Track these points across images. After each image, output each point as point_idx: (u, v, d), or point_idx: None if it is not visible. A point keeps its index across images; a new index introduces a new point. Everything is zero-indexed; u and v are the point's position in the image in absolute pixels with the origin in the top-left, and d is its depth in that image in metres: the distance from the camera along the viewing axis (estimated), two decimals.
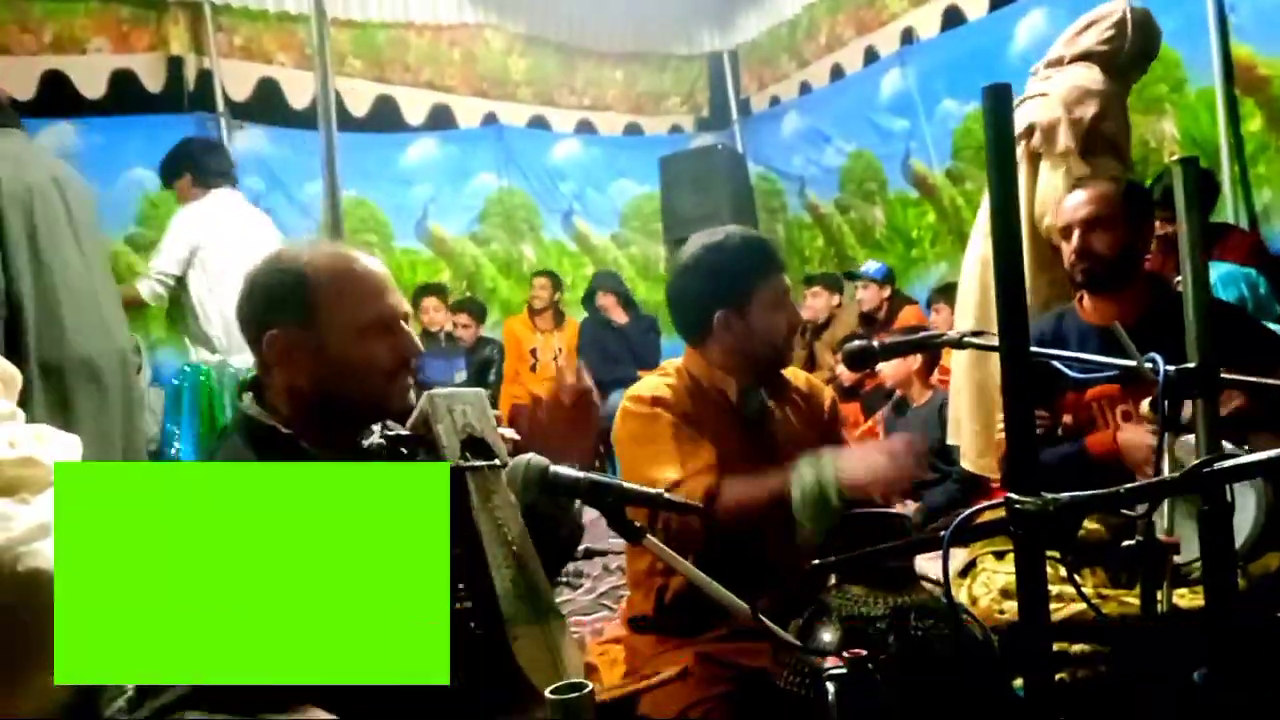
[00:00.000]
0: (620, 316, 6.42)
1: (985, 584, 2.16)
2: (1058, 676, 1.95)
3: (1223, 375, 1.33)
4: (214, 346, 3.83)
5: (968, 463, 3.26)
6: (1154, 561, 1.31)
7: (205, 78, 6.03)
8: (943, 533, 1.05)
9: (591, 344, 6.39)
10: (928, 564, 1.97)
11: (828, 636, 1.41)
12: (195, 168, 3.93)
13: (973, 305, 3.16)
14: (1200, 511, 1.22)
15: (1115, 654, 1.95)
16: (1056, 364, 1.63)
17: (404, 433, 1.46)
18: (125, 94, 5.81)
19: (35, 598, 1.86)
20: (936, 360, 4.28)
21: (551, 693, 0.98)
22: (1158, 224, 2.40)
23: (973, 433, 3.18)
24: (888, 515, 1.59)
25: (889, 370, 4.24)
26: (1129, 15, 3.02)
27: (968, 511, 1.06)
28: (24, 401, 2.16)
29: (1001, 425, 2.30)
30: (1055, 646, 1.95)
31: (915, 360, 4.11)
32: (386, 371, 1.36)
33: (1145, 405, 1.95)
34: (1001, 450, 2.40)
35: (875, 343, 1.88)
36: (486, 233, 7.17)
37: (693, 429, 1.80)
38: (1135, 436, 2.05)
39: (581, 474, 1.30)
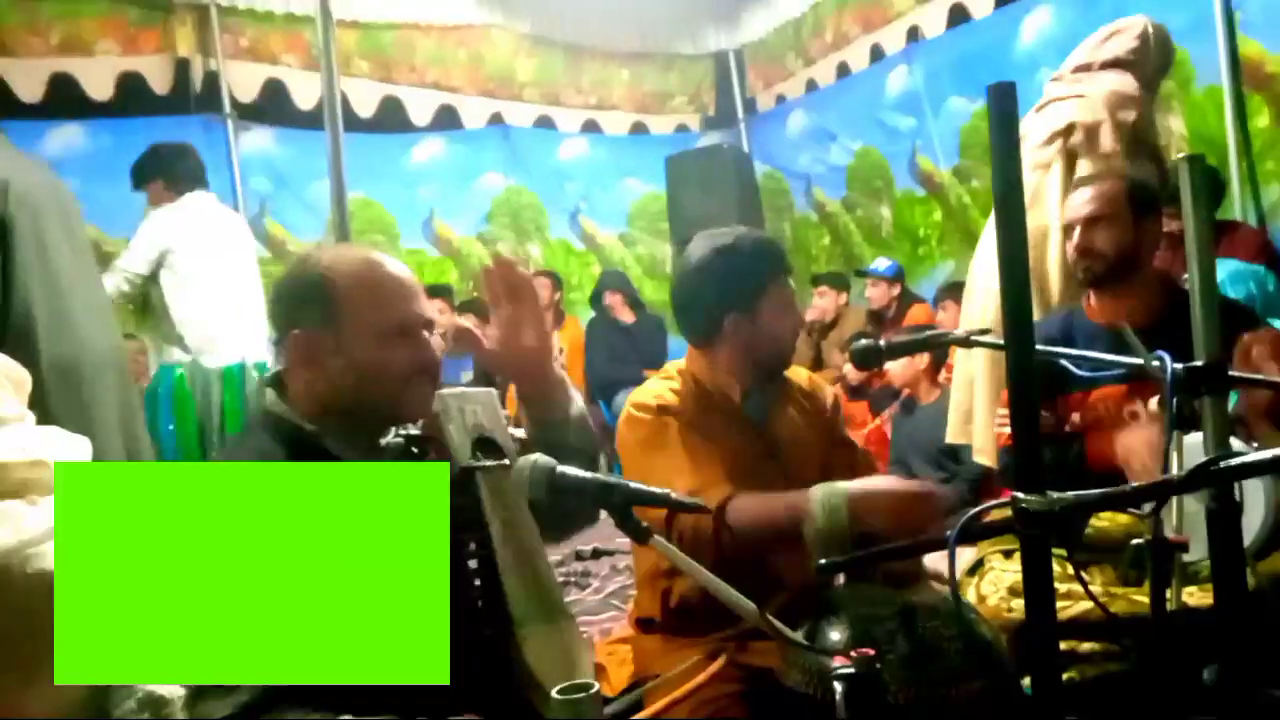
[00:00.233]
0: (627, 316, 6.42)
1: (993, 583, 2.16)
2: (1066, 675, 1.95)
3: (1231, 374, 1.33)
4: (186, 348, 3.84)
5: (983, 457, 3.24)
6: (1162, 560, 1.30)
7: (212, 79, 6.05)
8: (949, 532, 1.05)
9: (598, 344, 6.39)
10: (935, 563, 1.97)
11: (835, 636, 1.41)
12: (167, 173, 3.95)
13: (994, 302, 3.14)
14: (1209, 510, 1.22)
15: (1125, 652, 1.94)
16: (1063, 362, 1.62)
17: (416, 432, 1.46)
18: (133, 96, 5.83)
19: (45, 599, 1.87)
20: (944, 359, 4.27)
21: (558, 693, 0.98)
22: (1166, 220, 2.39)
23: (989, 426, 3.17)
24: None
25: (896, 370, 4.23)
26: (1150, 29, 3.03)
27: (974, 510, 1.06)
28: (38, 401, 2.18)
29: (1000, 421, 2.31)
30: (1064, 645, 1.95)
31: (923, 359, 4.10)
32: (403, 377, 1.36)
33: (1154, 403, 1.95)
34: (999, 444, 2.39)
35: (883, 342, 1.88)
36: (493, 233, 7.17)
37: (699, 435, 1.80)
38: (1134, 442, 2.04)
39: (589, 474, 1.30)
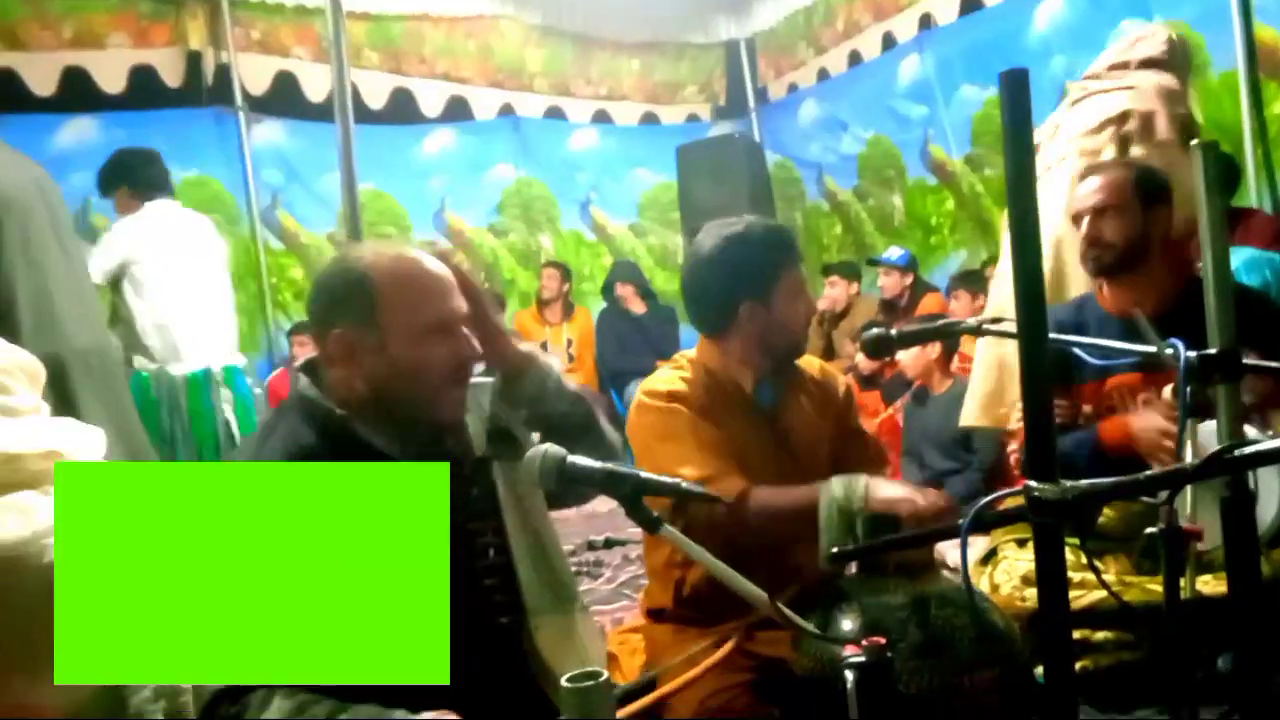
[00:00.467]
0: (638, 307, 6.42)
1: (1006, 571, 2.16)
2: (1080, 664, 1.95)
3: (1245, 361, 1.32)
4: (152, 355, 3.86)
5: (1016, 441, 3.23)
6: (1176, 548, 1.30)
7: (223, 72, 6.07)
8: (961, 520, 1.05)
9: (609, 334, 6.40)
10: (948, 551, 1.97)
11: (847, 625, 1.41)
12: (131, 180, 3.95)
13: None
14: (1223, 498, 1.22)
15: (1138, 641, 1.94)
16: (1076, 351, 1.61)
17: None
18: (145, 89, 5.86)
19: None
20: (955, 348, 4.25)
21: (567, 681, 0.99)
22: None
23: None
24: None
25: (908, 359, 4.22)
26: (1175, 36, 3.09)
27: (987, 499, 1.06)
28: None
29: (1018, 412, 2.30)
30: (1078, 634, 1.95)
31: (935, 349, 4.09)
32: (442, 375, 1.38)
33: (1167, 391, 1.94)
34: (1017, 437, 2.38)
35: (894, 331, 1.87)
36: (504, 224, 7.18)
37: (710, 424, 1.80)
38: (1149, 422, 2.03)
39: (599, 464, 1.30)
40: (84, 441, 2.16)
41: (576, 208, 7.44)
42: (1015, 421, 2.38)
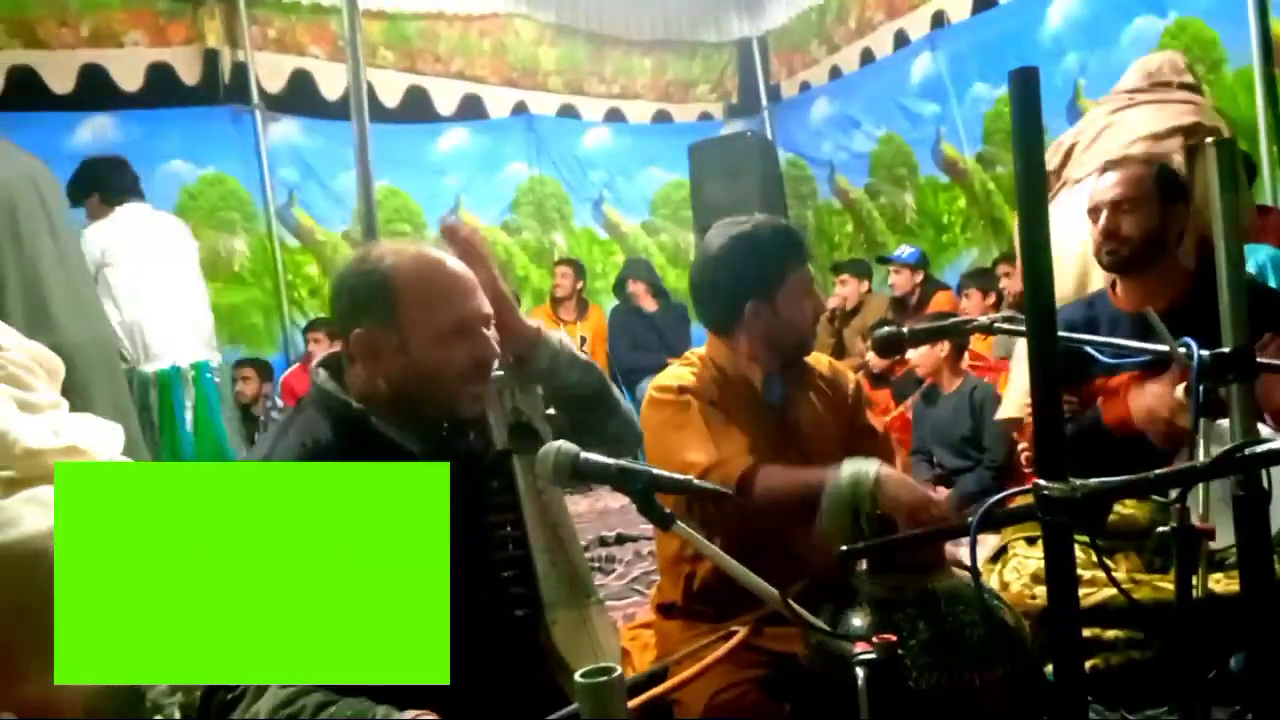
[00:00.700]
0: (650, 304, 6.42)
1: (1016, 569, 2.16)
2: (1090, 662, 1.95)
3: (1259, 360, 1.32)
4: (124, 356, 3.88)
5: None
6: (1188, 547, 1.30)
7: (240, 70, 6.10)
8: (971, 518, 1.05)
9: (621, 331, 6.40)
10: (958, 549, 1.97)
11: (857, 621, 1.42)
12: (101, 186, 4.00)
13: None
14: (1235, 496, 1.21)
15: (1149, 640, 1.94)
16: (1088, 349, 1.61)
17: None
18: (162, 87, 5.90)
19: None
20: (965, 347, 4.25)
21: (581, 676, 0.99)
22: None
23: None
24: None
25: (918, 357, 4.21)
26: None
27: (996, 497, 1.06)
28: None
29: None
30: (1088, 632, 1.95)
31: (944, 347, 4.08)
32: (463, 375, 1.38)
33: (1180, 390, 1.93)
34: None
35: (905, 329, 1.87)
36: (518, 222, 7.20)
37: (720, 414, 1.81)
38: (1149, 399, 2.02)
39: (612, 460, 1.31)
40: (103, 437, 2.19)
41: (589, 206, 7.45)
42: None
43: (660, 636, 1.94)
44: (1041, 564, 2.06)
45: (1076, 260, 2.90)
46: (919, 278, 5.70)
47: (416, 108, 6.71)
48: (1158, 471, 1.05)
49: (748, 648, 1.62)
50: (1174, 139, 2.95)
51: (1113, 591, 1.92)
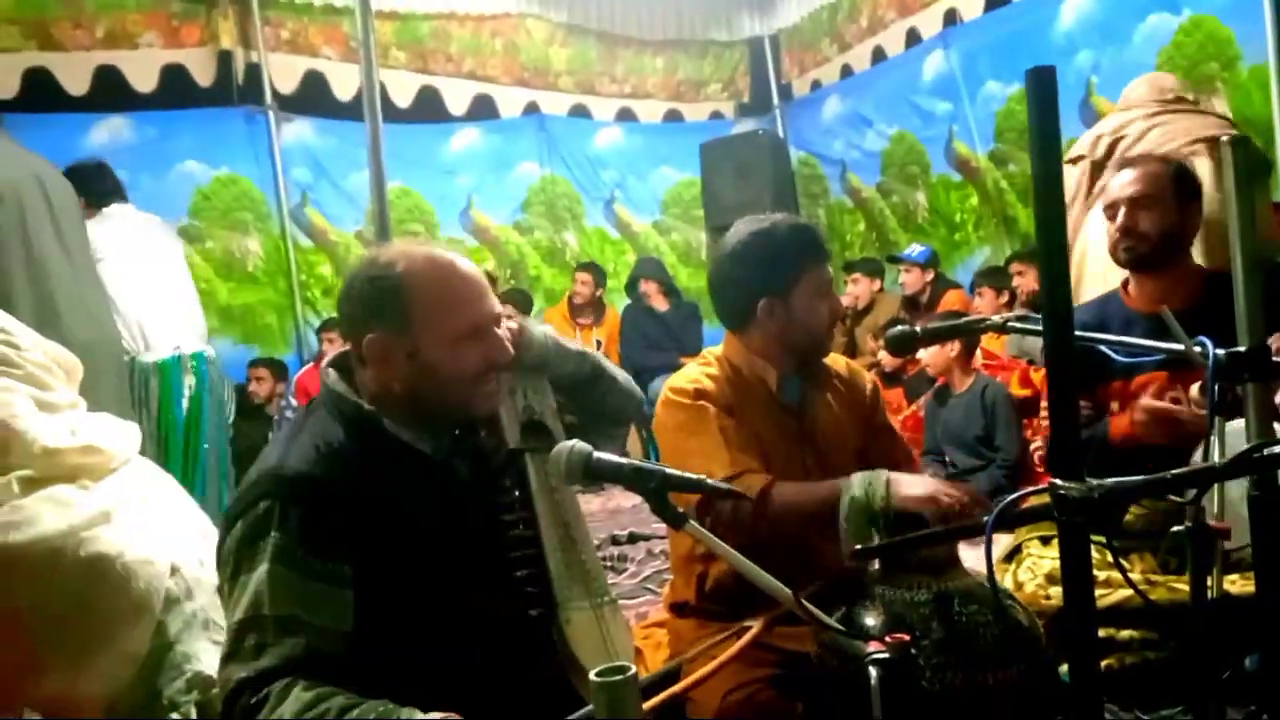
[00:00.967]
0: (662, 304, 6.42)
1: (1031, 569, 2.15)
2: (1105, 663, 1.94)
3: (1276, 359, 1.31)
4: (122, 347, 3.93)
5: None
6: (1203, 547, 1.29)
7: (253, 71, 6.13)
8: (986, 518, 1.05)
9: (633, 331, 6.40)
10: (972, 550, 1.96)
11: (871, 621, 1.42)
12: (85, 191, 4.03)
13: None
14: (1251, 497, 1.21)
15: (1164, 640, 1.93)
16: (1103, 349, 1.60)
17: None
18: (176, 88, 5.93)
19: (97, 581, 1.92)
20: (975, 346, 4.23)
21: (595, 675, 1.00)
22: None
23: None
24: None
25: (928, 357, 4.20)
26: None
27: (1011, 497, 1.06)
28: None
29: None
30: (1102, 632, 1.94)
31: (954, 346, 4.06)
32: (475, 376, 1.39)
33: (1195, 390, 1.92)
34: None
35: (917, 327, 1.87)
36: (530, 221, 7.21)
37: (736, 420, 1.81)
38: (1142, 407, 2.01)
39: (625, 460, 1.31)
40: (120, 436, 2.20)
41: (601, 205, 7.45)
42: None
43: (673, 635, 1.94)
44: (1056, 564, 2.05)
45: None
46: (929, 276, 5.69)
47: (428, 108, 6.72)
48: (1174, 472, 1.04)
49: (760, 647, 1.63)
50: (1198, 146, 2.96)
51: (1127, 592, 1.92)
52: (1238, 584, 1.78)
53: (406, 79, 6.62)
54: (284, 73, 6.26)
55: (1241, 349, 1.26)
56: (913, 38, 6.54)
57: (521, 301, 6.45)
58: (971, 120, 6.13)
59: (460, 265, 1.41)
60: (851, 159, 7.16)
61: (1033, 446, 3.91)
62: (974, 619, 1.40)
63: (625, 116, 7.51)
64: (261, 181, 6.26)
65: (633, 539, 4.17)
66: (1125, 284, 2.29)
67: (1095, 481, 0.95)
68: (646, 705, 1.10)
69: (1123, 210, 2.18)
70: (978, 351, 4.31)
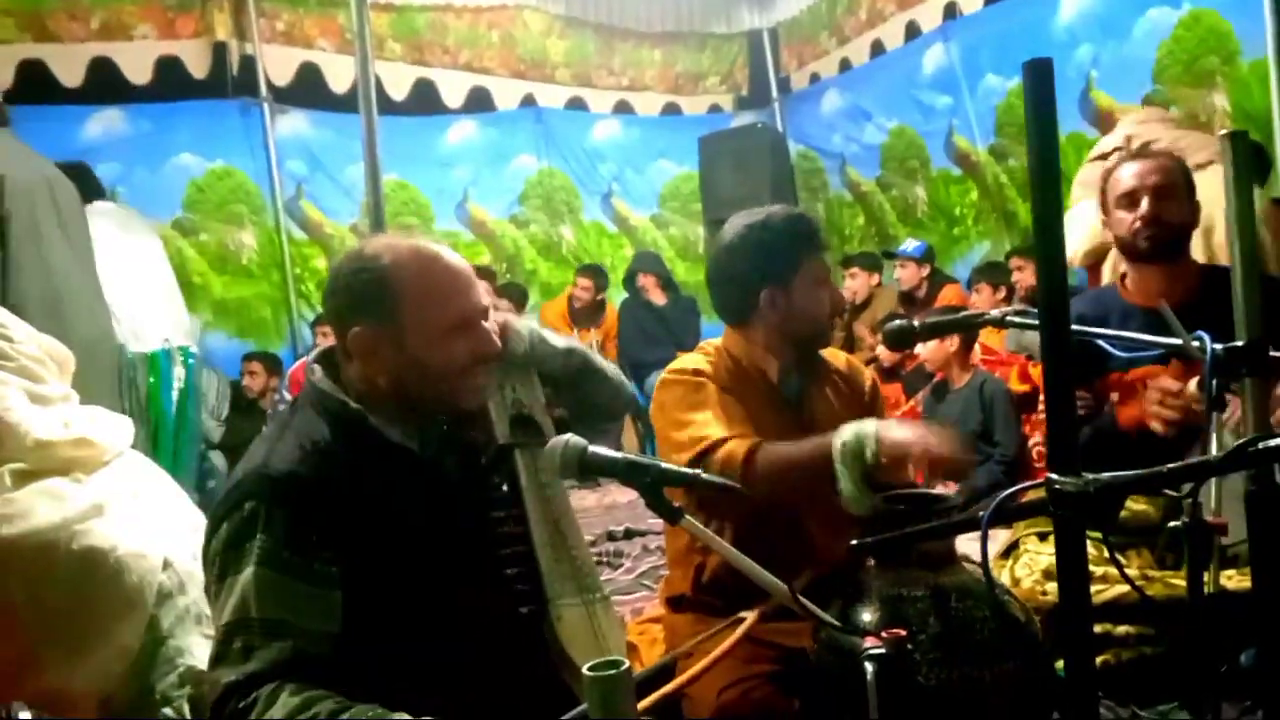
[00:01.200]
0: (660, 298, 6.41)
1: (1028, 565, 2.15)
2: (1101, 658, 1.94)
3: (1274, 354, 1.30)
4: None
5: None
6: (1200, 543, 1.29)
7: (248, 63, 6.12)
8: (982, 513, 1.04)
9: (631, 325, 6.39)
10: (969, 545, 1.96)
11: (867, 616, 1.41)
12: None
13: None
14: (1248, 492, 1.20)
15: (1160, 636, 1.93)
16: (1101, 343, 1.60)
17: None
18: (171, 80, 5.92)
19: (90, 575, 1.92)
20: (974, 341, 4.22)
21: (589, 670, 0.99)
22: None
23: None
24: (928, 496, 1.58)
25: (927, 352, 4.19)
26: None
27: (1007, 491, 1.06)
28: None
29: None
30: (1099, 628, 1.94)
31: (953, 342, 4.06)
32: (462, 369, 1.38)
33: (1193, 384, 1.92)
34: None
35: (915, 322, 1.86)
36: (526, 215, 7.19)
37: (734, 400, 1.81)
38: (1153, 391, 2.01)
39: (619, 454, 1.30)
40: (113, 429, 2.20)
41: (598, 199, 7.44)
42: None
43: (669, 630, 1.94)
44: (1053, 560, 2.04)
45: None
46: (925, 271, 5.68)
47: (424, 100, 6.71)
48: (1170, 466, 1.04)
49: (757, 643, 1.62)
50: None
51: (1124, 587, 1.91)
52: (1234, 579, 1.78)
53: (402, 71, 6.59)
54: (279, 65, 6.24)
55: (1239, 344, 1.26)
56: (912, 31, 6.52)
57: (517, 296, 6.43)
58: (971, 114, 6.12)
59: (446, 257, 1.40)
60: (850, 153, 7.15)
61: (1031, 442, 3.90)
62: (971, 614, 1.40)
63: (623, 109, 7.50)
64: (256, 174, 6.25)
65: (628, 535, 4.17)
66: (1123, 278, 2.29)
67: (1091, 476, 0.95)
68: (641, 704, 1.10)
69: (1147, 199, 2.16)
70: (976, 347, 4.31)
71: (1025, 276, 5.02)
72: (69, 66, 5.66)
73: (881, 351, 5.08)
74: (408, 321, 1.35)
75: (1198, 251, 2.74)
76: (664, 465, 1.29)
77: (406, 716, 1.13)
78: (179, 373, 4.04)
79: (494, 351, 1.41)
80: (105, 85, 5.73)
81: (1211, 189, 2.61)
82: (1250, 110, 4.53)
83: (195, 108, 6.03)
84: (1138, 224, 2.17)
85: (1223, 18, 4.70)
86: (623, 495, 4.85)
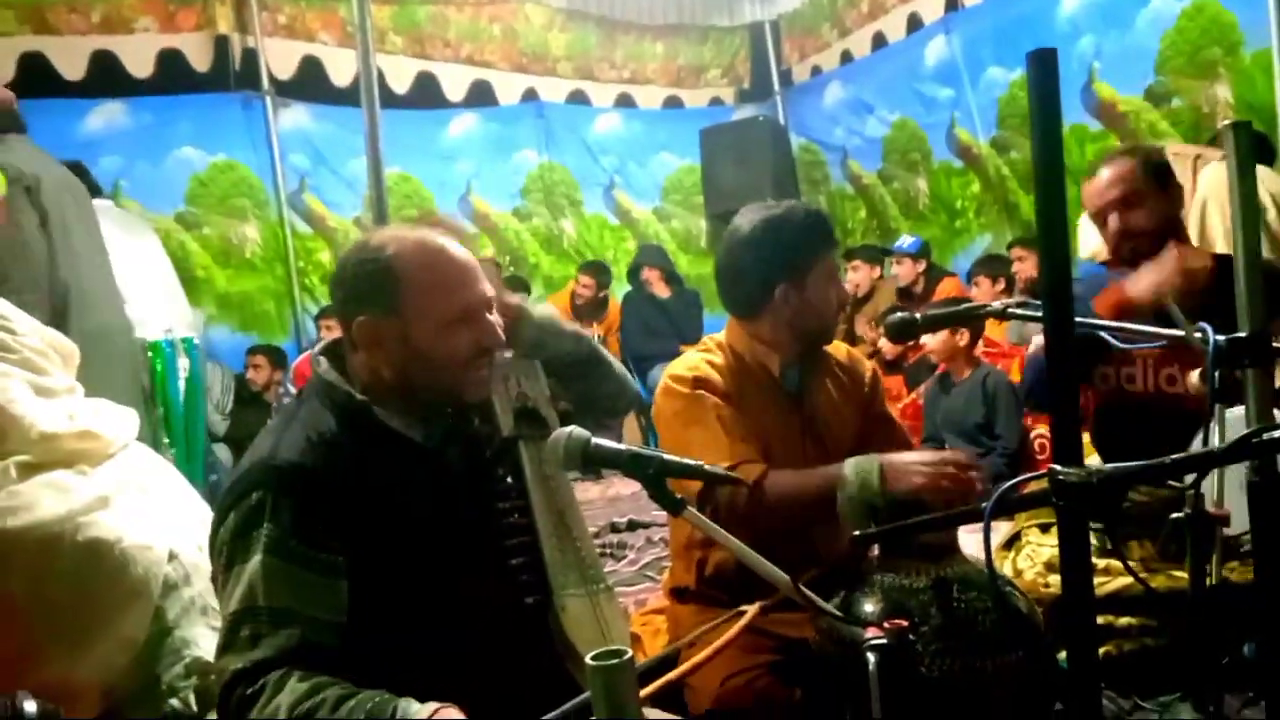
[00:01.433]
0: (663, 291, 6.41)
1: (1030, 557, 2.15)
2: (1103, 650, 1.94)
3: (1277, 344, 1.30)
4: None
5: None
6: (1203, 534, 1.29)
7: (250, 56, 6.12)
8: (984, 505, 1.05)
9: (634, 318, 6.39)
10: (970, 537, 1.96)
11: (869, 607, 1.42)
12: None
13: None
14: (1251, 483, 1.21)
15: (1162, 627, 1.93)
16: (1103, 334, 1.60)
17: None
18: (173, 73, 5.92)
19: (95, 567, 1.92)
20: (980, 333, 4.22)
21: (592, 659, 0.99)
22: None
23: None
24: None
25: (935, 345, 4.18)
26: None
27: (1010, 483, 1.06)
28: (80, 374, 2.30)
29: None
30: (1101, 619, 1.94)
31: (964, 336, 4.05)
32: (467, 361, 1.38)
33: (1195, 376, 1.92)
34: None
35: (918, 314, 1.86)
36: (528, 208, 7.19)
37: (736, 408, 1.81)
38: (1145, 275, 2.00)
39: (623, 446, 1.31)
40: (118, 422, 2.20)
41: (600, 192, 7.43)
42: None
43: (672, 621, 1.94)
44: (1055, 552, 2.05)
45: None
46: (921, 267, 5.69)
47: (426, 94, 6.70)
48: (1173, 457, 1.04)
49: (759, 633, 1.63)
50: None
51: (1127, 579, 1.92)
52: (1237, 571, 1.78)
53: (404, 64, 6.59)
54: (281, 58, 6.24)
55: (1242, 334, 1.26)
56: (914, 23, 6.51)
57: (520, 289, 6.41)
58: (973, 106, 6.11)
59: (451, 249, 1.40)
60: (852, 145, 7.14)
61: (1033, 434, 3.91)
62: (973, 605, 1.40)
63: (624, 102, 7.49)
64: (259, 168, 6.25)
65: (632, 526, 4.17)
66: (1122, 270, 2.28)
67: (1094, 467, 0.95)
68: (644, 692, 1.10)
69: (1113, 216, 2.16)
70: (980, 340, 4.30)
71: (1026, 267, 5.02)
72: (70, 59, 5.66)
73: (884, 344, 5.07)
74: (412, 312, 1.35)
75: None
76: (666, 457, 1.30)
77: (414, 702, 1.14)
78: (184, 363, 4.06)
79: (497, 343, 1.42)
80: (107, 78, 5.73)
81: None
82: (1253, 101, 4.53)
83: (197, 101, 6.03)
84: (1115, 240, 2.17)
85: (1226, 8, 4.69)
86: (626, 487, 4.85)
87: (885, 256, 6.04)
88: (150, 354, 3.94)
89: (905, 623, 1.15)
